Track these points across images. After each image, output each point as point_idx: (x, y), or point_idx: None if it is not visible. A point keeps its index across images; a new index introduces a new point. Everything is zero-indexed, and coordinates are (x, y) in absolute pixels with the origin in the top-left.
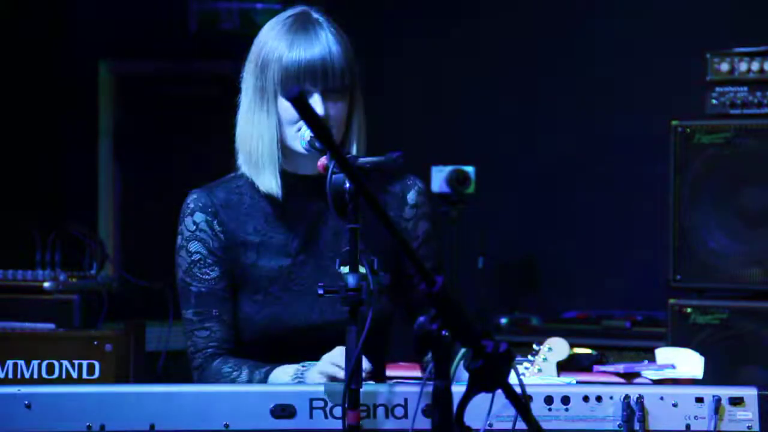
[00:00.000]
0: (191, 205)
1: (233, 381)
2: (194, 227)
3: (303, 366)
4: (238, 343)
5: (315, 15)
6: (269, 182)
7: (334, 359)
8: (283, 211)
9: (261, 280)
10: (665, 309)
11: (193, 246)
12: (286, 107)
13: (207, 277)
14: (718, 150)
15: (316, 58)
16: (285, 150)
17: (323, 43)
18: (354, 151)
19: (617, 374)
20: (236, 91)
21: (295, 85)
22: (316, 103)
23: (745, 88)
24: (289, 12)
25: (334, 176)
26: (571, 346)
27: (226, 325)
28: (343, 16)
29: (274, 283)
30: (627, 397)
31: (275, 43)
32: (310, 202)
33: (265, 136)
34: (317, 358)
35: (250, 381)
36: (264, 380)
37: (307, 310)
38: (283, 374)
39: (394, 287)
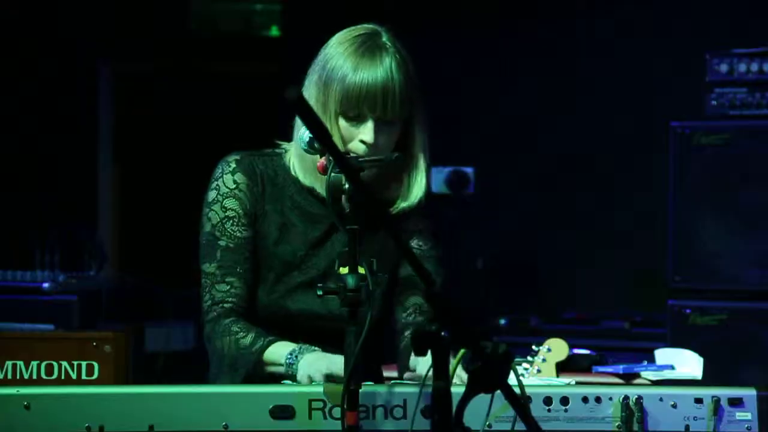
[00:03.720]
0: (233, 165)
1: (237, 341)
2: (234, 185)
3: (299, 348)
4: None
5: (383, 38)
6: (317, 183)
7: (323, 368)
8: (310, 202)
9: (276, 260)
10: (664, 310)
11: (230, 202)
12: (344, 126)
13: (238, 234)
14: (718, 151)
15: (378, 85)
16: None
17: (387, 71)
18: (416, 184)
19: (616, 375)
20: (234, 91)
21: (354, 108)
22: (368, 129)
23: (745, 89)
24: (360, 30)
25: (332, 177)
26: (570, 346)
27: (246, 284)
28: (341, 16)
29: (287, 266)
30: (626, 397)
31: (341, 62)
32: None
33: None
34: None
35: (251, 345)
36: (263, 350)
37: (313, 298)
38: (281, 350)
39: (391, 289)
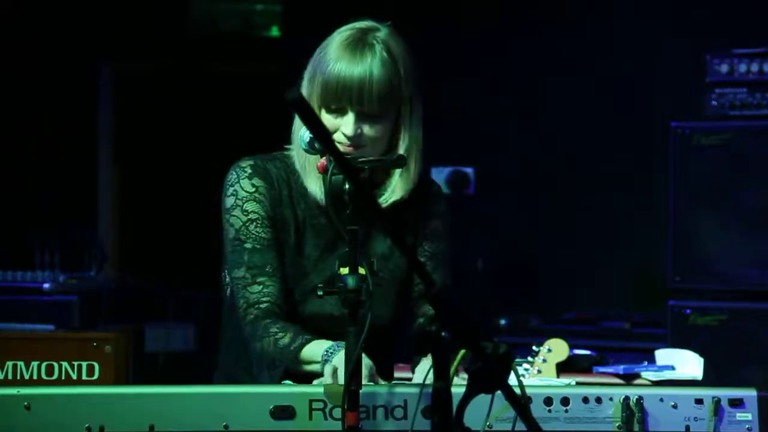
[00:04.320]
0: (248, 170)
1: (277, 341)
2: (253, 189)
3: (337, 344)
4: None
5: (377, 33)
6: (314, 188)
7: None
8: (320, 204)
9: (294, 265)
10: (665, 310)
11: (251, 206)
12: (327, 118)
13: (263, 235)
14: (718, 151)
15: (355, 79)
16: None
17: (366, 66)
18: (398, 172)
19: (617, 375)
20: (235, 91)
21: (333, 101)
22: (348, 121)
23: (745, 90)
24: (358, 25)
25: (333, 177)
26: (571, 347)
27: (279, 281)
28: (341, 17)
29: (303, 270)
30: (627, 398)
31: (326, 55)
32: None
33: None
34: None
35: (289, 345)
36: (300, 348)
37: (326, 301)
38: (317, 348)
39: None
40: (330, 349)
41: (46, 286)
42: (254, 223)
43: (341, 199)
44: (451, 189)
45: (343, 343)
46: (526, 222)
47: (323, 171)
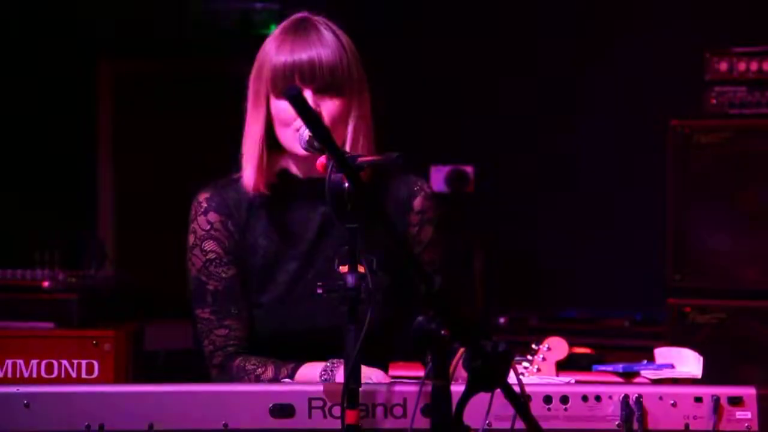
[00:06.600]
0: (204, 204)
1: (258, 377)
2: (209, 226)
3: (331, 363)
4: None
5: (313, 19)
6: (249, 177)
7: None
8: (289, 214)
9: (268, 283)
10: (664, 308)
11: (208, 245)
12: (281, 108)
13: (224, 275)
14: (717, 150)
15: (303, 57)
16: (285, 153)
17: (312, 43)
18: (349, 149)
19: (616, 374)
20: (234, 90)
21: (285, 83)
22: (307, 98)
23: (744, 88)
24: (291, 18)
25: (332, 176)
26: (570, 345)
27: (243, 323)
28: (342, 16)
29: (280, 285)
30: (626, 396)
31: (269, 46)
32: (318, 204)
33: (253, 136)
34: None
35: (276, 376)
36: (291, 376)
37: (312, 313)
38: (310, 370)
39: (396, 289)
40: (327, 368)
41: (46, 284)
42: (213, 263)
43: (341, 198)
44: (451, 188)
45: (337, 359)
46: (525, 221)
47: (323, 170)
